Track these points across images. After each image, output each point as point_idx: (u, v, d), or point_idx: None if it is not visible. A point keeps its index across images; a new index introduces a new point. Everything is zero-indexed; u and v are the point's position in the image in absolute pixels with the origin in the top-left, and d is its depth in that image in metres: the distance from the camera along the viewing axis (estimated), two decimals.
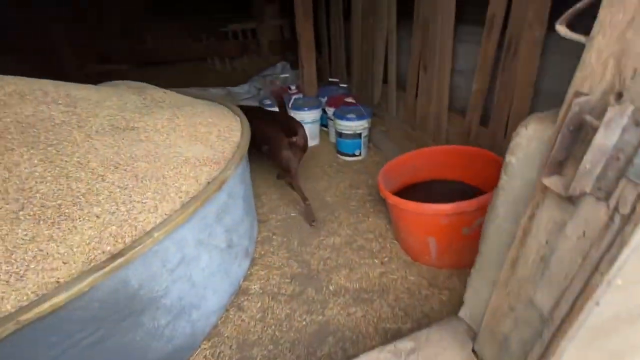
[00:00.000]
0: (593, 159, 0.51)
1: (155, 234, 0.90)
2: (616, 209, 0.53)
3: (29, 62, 4.47)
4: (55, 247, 0.83)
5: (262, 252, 1.69)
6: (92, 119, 1.19)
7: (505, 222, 0.84)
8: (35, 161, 0.97)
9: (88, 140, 1.09)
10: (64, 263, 0.82)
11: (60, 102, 1.18)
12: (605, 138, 0.49)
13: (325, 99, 2.84)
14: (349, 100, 2.64)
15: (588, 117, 0.51)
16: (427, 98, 2.51)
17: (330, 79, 3.08)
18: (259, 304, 1.41)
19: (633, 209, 0.50)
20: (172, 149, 1.22)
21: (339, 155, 2.61)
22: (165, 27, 5.83)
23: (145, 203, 1.00)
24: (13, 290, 0.74)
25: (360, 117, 2.39)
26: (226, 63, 5.28)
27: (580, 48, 0.58)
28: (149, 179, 1.07)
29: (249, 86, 4.17)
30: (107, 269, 0.80)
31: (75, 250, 0.85)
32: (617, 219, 0.53)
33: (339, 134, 2.48)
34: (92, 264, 0.83)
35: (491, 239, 0.90)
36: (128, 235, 0.91)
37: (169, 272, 1.02)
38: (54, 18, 4.17)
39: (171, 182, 1.10)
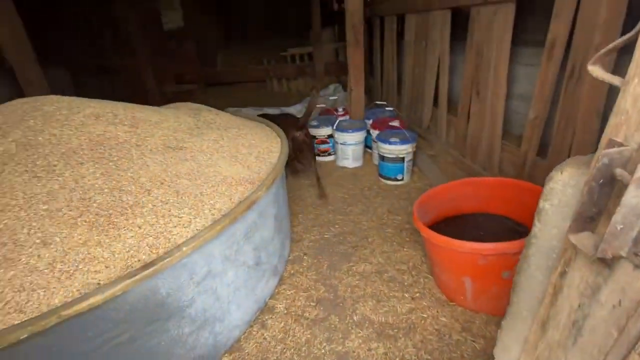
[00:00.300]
0: (625, 220, 0.44)
1: (184, 248, 0.98)
2: None
3: (120, 80, 5.25)
4: (101, 251, 0.95)
5: (292, 272, 1.71)
6: (149, 139, 1.35)
7: (538, 273, 0.75)
8: (98, 174, 1.12)
9: (142, 158, 1.24)
10: (106, 267, 0.93)
11: (125, 123, 1.37)
12: (638, 197, 0.42)
13: (370, 121, 2.84)
14: (394, 123, 2.60)
15: (619, 171, 0.45)
16: (480, 124, 2.37)
17: (377, 102, 3.07)
18: (282, 324, 1.42)
19: None
20: (212, 168, 1.32)
21: (381, 179, 2.57)
22: (234, 52, 6.43)
23: (181, 217, 1.09)
24: (62, 287, 0.86)
25: (403, 141, 2.34)
26: (283, 84, 5.60)
27: None
28: (188, 196, 1.17)
29: (301, 106, 4.35)
30: (138, 276, 0.89)
31: (116, 256, 0.95)
32: None
33: (382, 157, 2.45)
34: (128, 270, 0.93)
35: (523, 290, 0.80)
36: (162, 247, 1.00)
37: (196, 284, 1.09)
38: (142, 43, 4.85)
39: (207, 200, 1.18)
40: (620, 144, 0.48)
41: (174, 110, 1.77)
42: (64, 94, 1.47)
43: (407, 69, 3.48)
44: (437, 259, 1.42)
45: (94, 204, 1.04)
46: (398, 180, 2.47)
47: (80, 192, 1.05)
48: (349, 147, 2.73)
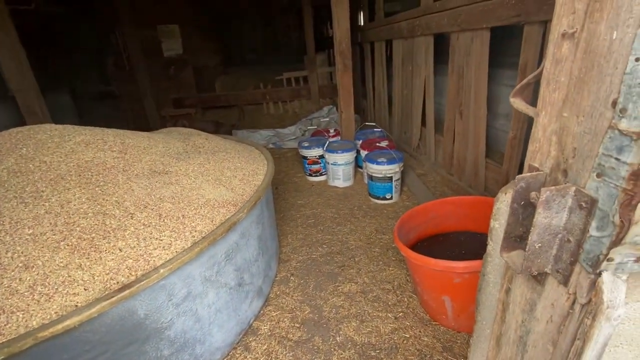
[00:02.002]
0: (542, 239, 0.48)
1: (162, 270, 1.01)
2: (575, 296, 0.48)
3: (121, 106, 5.41)
4: (81, 274, 0.98)
5: (278, 292, 1.72)
6: (136, 164, 1.41)
7: (495, 290, 0.77)
8: (83, 199, 1.17)
9: (128, 182, 1.29)
10: (85, 289, 0.96)
11: (115, 149, 1.43)
12: (549, 218, 0.47)
13: (360, 141, 2.91)
14: (382, 144, 2.67)
15: (533, 194, 0.49)
16: (464, 143, 2.43)
17: (367, 123, 3.16)
18: (265, 347, 1.42)
19: (589, 299, 0.46)
20: (196, 192, 1.37)
21: (370, 198, 2.61)
22: (232, 77, 6.64)
23: (162, 240, 1.13)
24: (41, 310, 0.89)
25: (391, 161, 2.40)
26: (279, 106, 5.74)
27: None
28: (170, 218, 1.21)
29: (295, 128, 4.45)
30: (114, 298, 0.92)
31: (96, 278, 0.98)
32: (577, 308, 0.48)
33: (370, 177, 2.50)
34: (106, 292, 0.96)
35: (484, 308, 0.83)
36: (140, 269, 1.03)
37: (175, 306, 1.11)
38: (143, 70, 5.03)
39: (189, 222, 1.22)
40: (537, 169, 0.52)
41: (165, 135, 1.84)
42: (66, 120, 1.55)
43: (396, 91, 3.60)
44: (417, 278, 1.44)
45: (78, 228, 1.08)
46: (387, 199, 2.51)
47: (65, 217, 1.09)
48: (339, 167, 2.79)
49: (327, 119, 3.96)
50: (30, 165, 1.22)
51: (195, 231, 1.20)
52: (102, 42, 5.07)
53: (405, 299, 1.60)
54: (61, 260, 0.99)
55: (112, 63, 5.15)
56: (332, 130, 3.27)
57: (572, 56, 0.44)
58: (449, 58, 2.45)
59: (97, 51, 5.19)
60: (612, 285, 0.43)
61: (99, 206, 1.17)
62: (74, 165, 1.27)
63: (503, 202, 0.69)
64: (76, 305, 0.92)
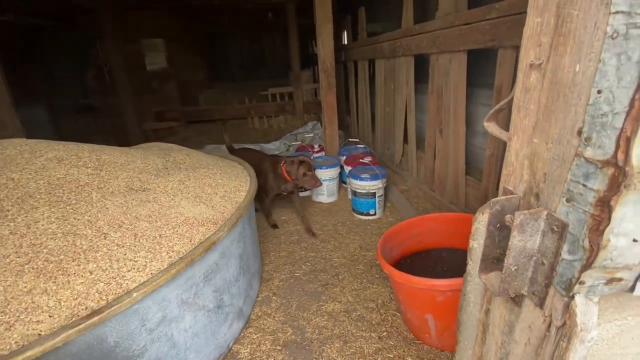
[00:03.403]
0: (517, 261, 0.49)
1: (135, 294, 0.96)
2: (551, 318, 0.48)
3: (102, 119, 5.28)
4: (46, 300, 0.92)
5: (260, 314, 1.67)
6: (112, 181, 1.36)
7: (475, 310, 0.77)
8: (53, 219, 1.11)
9: (102, 201, 1.24)
10: (50, 316, 0.90)
11: (89, 165, 1.38)
12: (523, 241, 0.47)
13: (344, 157, 2.93)
14: (365, 160, 2.70)
15: (507, 217, 0.50)
16: (444, 161, 2.49)
17: (350, 139, 3.20)
18: None
19: (564, 322, 0.46)
20: (174, 209, 1.33)
21: (354, 214, 2.61)
22: (217, 91, 6.63)
23: (136, 261, 1.08)
24: (0, 339, 0.82)
25: (374, 177, 2.42)
26: (264, 121, 5.75)
27: None
28: (146, 238, 1.17)
29: (280, 143, 4.45)
30: (82, 325, 0.86)
31: (62, 304, 0.93)
32: (553, 331, 0.48)
33: (354, 193, 2.51)
34: (74, 319, 0.90)
35: (466, 328, 0.82)
36: (112, 293, 0.98)
37: (148, 332, 1.05)
38: (125, 83, 4.95)
39: (165, 242, 1.18)
40: (511, 192, 0.53)
41: (144, 151, 1.80)
42: (41, 134, 1.48)
43: (378, 109, 3.68)
44: (401, 296, 1.43)
45: (45, 250, 1.02)
46: (371, 215, 2.52)
47: (32, 238, 1.03)
48: (323, 183, 2.79)
49: (312, 135, 3.99)
50: None
51: (173, 251, 1.16)
52: (82, 55, 4.99)
53: (389, 318, 1.58)
54: (25, 284, 0.93)
55: (92, 76, 5.05)
56: (316, 146, 3.29)
57: (539, 85, 0.46)
58: (429, 78, 2.54)
59: (77, 64, 5.10)
60: (584, 307, 0.44)
61: (69, 226, 1.11)
62: (44, 183, 1.22)
63: (481, 223, 0.70)
64: (39, 334, 0.85)
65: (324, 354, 1.42)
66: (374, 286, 1.80)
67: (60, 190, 1.22)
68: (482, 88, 2.66)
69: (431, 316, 1.31)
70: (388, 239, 1.62)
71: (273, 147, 4.39)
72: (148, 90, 5.33)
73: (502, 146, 1.94)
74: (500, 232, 0.53)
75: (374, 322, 1.56)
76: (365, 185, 2.42)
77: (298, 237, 2.36)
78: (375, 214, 2.53)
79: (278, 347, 1.47)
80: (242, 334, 1.54)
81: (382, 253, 1.46)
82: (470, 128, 2.43)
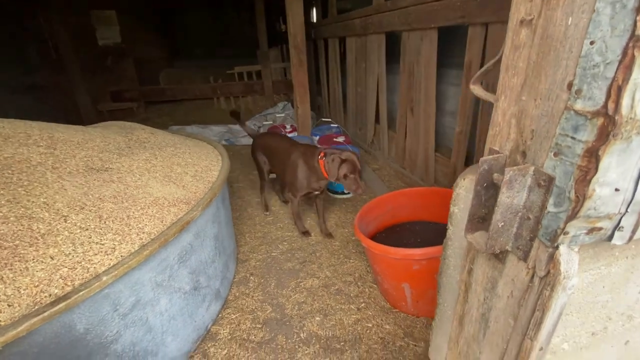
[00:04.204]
0: (503, 218, 0.50)
1: (104, 278, 0.90)
2: (534, 270, 0.51)
3: (49, 100, 4.79)
4: (3, 288, 0.83)
5: (237, 294, 1.65)
6: (68, 160, 1.24)
7: (455, 273, 0.81)
8: (2, 201, 1.00)
9: (59, 181, 1.13)
10: (9, 305, 0.81)
11: (41, 144, 1.24)
12: (511, 197, 0.49)
13: (318, 137, 2.91)
14: (339, 139, 2.69)
15: (495, 176, 0.51)
16: (415, 139, 2.55)
17: (323, 119, 3.17)
18: (225, 351, 1.35)
19: (548, 272, 0.48)
20: (142, 190, 1.25)
21: (329, 193, 2.61)
22: (177, 69, 6.24)
23: (103, 244, 1.01)
24: None
25: None
26: (231, 102, 5.53)
27: None
28: (113, 220, 1.09)
29: (249, 123, 4.32)
30: (47, 313, 0.79)
31: (22, 292, 0.84)
32: (537, 281, 0.51)
33: None
34: (36, 307, 0.83)
35: (446, 290, 0.86)
36: (78, 278, 0.91)
37: (121, 317, 1.00)
38: (74, 59, 4.50)
39: (135, 223, 1.11)
40: (497, 152, 0.54)
41: (102, 129, 1.65)
42: None
43: (350, 89, 3.66)
44: (378, 268, 1.47)
45: None
46: (345, 193, 2.54)
47: None
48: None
49: (283, 115, 3.90)
50: None
51: (143, 233, 1.09)
52: (22, 28, 4.44)
53: (367, 290, 1.62)
54: None
55: (36, 51, 4.53)
56: (288, 126, 3.22)
57: (529, 42, 0.46)
58: (400, 56, 2.55)
59: (16, 38, 4.53)
60: (567, 256, 0.46)
61: (22, 209, 1.00)
62: None
63: (462, 188, 0.71)
64: None
65: (305, 328, 1.44)
66: (351, 261, 1.84)
67: (9, 171, 1.09)
68: (450, 68, 2.72)
69: (407, 285, 1.36)
70: (364, 215, 1.65)
71: (241, 129, 4.25)
72: (101, 68, 4.89)
73: (471, 123, 2.01)
74: (486, 192, 0.55)
75: (352, 295, 1.60)
76: None
77: (273, 218, 2.33)
78: (349, 193, 2.55)
79: (258, 325, 1.47)
80: (220, 315, 1.52)
81: (359, 228, 1.48)
82: (439, 107, 2.49)
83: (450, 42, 2.46)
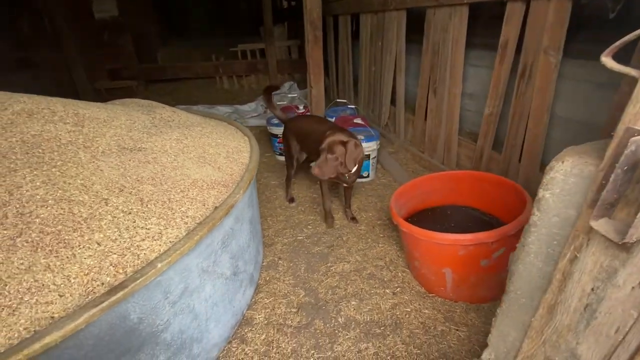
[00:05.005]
0: None
1: (159, 265, 0.85)
2: None
3: (44, 77, 4.56)
4: (51, 277, 0.78)
5: (268, 278, 1.61)
6: (99, 139, 1.16)
7: (538, 261, 0.77)
8: (38, 183, 0.92)
9: (93, 162, 1.05)
10: (60, 296, 0.76)
11: (67, 121, 1.15)
12: None
13: (334, 119, 2.82)
14: (357, 121, 2.61)
15: None
16: (437, 121, 2.48)
17: (337, 100, 3.07)
18: (264, 336, 1.32)
19: None
20: (179, 171, 1.18)
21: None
22: (177, 47, 5.98)
23: (149, 229, 0.95)
24: (4, 326, 0.68)
25: (369, 138, 2.36)
26: (234, 81, 5.35)
27: (596, 74, 0.52)
28: (155, 203, 1.02)
29: (256, 104, 4.19)
30: (105, 303, 0.74)
31: (72, 281, 0.79)
32: None
33: None
34: (90, 297, 0.77)
35: (521, 278, 0.83)
36: (130, 265, 0.85)
37: (171, 305, 0.95)
38: (70, 34, 4.25)
39: (177, 207, 1.05)
40: (639, 132, 0.49)
41: (123, 107, 1.55)
42: None
43: (363, 69, 3.54)
44: (416, 253, 1.44)
45: (37, 220, 0.85)
46: (364, 177, 2.49)
47: (17, 206, 0.85)
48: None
49: (295, 95, 3.78)
50: None
51: (187, 217, 1.03)
52: None
53: (400, 274, 1.60)
54: (21, 261, 0.77)
55: (27, 24, 4.26)
56: (301, 107, 3.12)
57: None
58: (424, 34, 2.44)
59: (6, 10, 4.24)
60: None
61: (60, 191, 0.93)
62: (17, 141, 0.99)
63: (559, 171, 0.66)
64: (52, 317, 0.72)
65: (342, 313, 1.41)
66: (380, 245, 1.81)
67: (39, 150, 1.01)
68: (472, 48, 2.63)
69: (449, 270, 1.34)
70: (397, 199, 1.60)
71: (249, 109, 4.13)
72: (98, 43, 4.65)
73: (502, 105, 1.95)
74: (624, 175, 0.50)
75: (385, 279, 1.58)
76: None
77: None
78: (368, 176, 2.50)
79: (293, 310, 1.44)
80: (253, 300, 1.49)
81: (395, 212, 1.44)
82: None
83: (473, 21, 2.36)
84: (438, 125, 2.48)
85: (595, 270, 0.59)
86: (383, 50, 3.03)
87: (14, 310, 0.70)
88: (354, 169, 1.77)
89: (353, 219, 2.02)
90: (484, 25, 2.28)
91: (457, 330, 1.31)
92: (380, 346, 1.26)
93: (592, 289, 0.60)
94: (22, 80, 4.39)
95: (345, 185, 1.96)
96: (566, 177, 0.67)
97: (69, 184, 0.96)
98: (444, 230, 1.65)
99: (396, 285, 1.54)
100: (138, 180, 1.07)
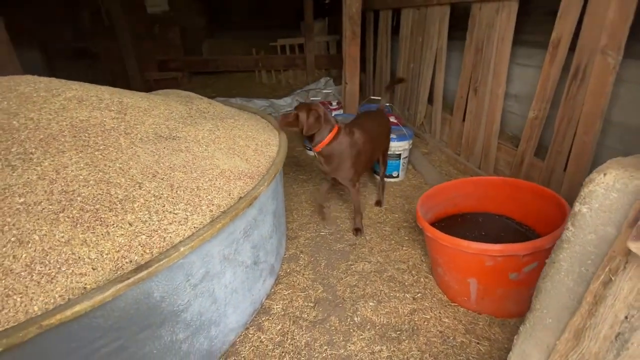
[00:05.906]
0: None
1: (182, 248, 0.89)
2: None
3: (100, 65, 4.96)
4: (87, 251, 0.85)
5: (288, 271, 1.64)
6: (138, 126, 1.23)
7: (569, 279, 0.71)
8: (82, 164, 1.01)
9: (132, 147, 1.13)
10: (93, 269, 0.83)
11: (112, 108, 1.25)
12: None
13: None
14: (391, 119, 2.55)
15: None
16: (476, 122, 2.36)
17: (372, 97, 3.02)
18: (280, 327, 1.35)
19: None
20: (209, 161, 1.22)
21: (376, 176, 2.52)
22: (221, 40, 6.20)
23: (177, 214, 1.00)
24: (42, 292, 0.76)
25: (401, 137, 2.30)
26: (272, 76, 5.45)
27: None
28: (184, 190, 1.08)
29: (291, 99, 4.25)
30: (131, 280, 0.80)
31: (105, 256, 0.85)
32: None
33: None
34: (119, 273, 0.83)
35: (549, 296, 0.77)
36: (156, 246, 0.90)
37: (192, 287, 1.00)
38: (125, 26, 4.57)
39: (204, 194, 1.09)
40: None
41: (163, 97, 1.64)
42: None
43: (401, 65, 3.44)
44: (441, 259, 1.39)
45: (79, 198, 0.93)
46: (394, 177, 2.44)
47: (62, 184, 0.94)
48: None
49: (330, 91, 3.77)
50: (15, 122, 1.03)
51: (213, 205, 1.07)
52: None
53: (422, 279, 1.56)
54: (62, 234, 0.85)
55: (88, 17, 4.64)
56: (334, 103, 3.11)
57: None
58: (468, 30, 2.32)
59: (70, 3, 4.66)
60: None
61: (100, 173, 1.01)
62: (67, 125, 1.09)
63: (600, 185, 0.60)
64: (84, 288, 0.79)
65: (358, 312, 1.40)
66: (404, 248, 1.76)
67: (86, 134, 1.10)
68: (519, 46, 2.45)
69: (475, 280, 1.28)
70: (425, 201, 1.55)
71: (284, 104, 4.19)
72: (149, 35, 4.95)
73: (549, 108, 1.80)
74: None
75: (406, 284, 1.54)
76: (391, 145, 2.30)
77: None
78: (398, 177, 2.44)
79: (310, 304, 1.46)
80: (272, 290, 1.52)
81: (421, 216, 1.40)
82: None
83: (520, 17, 2.20)
84: (477, 126, 2.36)
85: (631, 297, 0.54)
86: (423, 46, 2.92)
87: (52, 279, 0.77)
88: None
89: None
90: (533, 21, 2.12)
91: (478, 343, 1.25)
92: (394, 350, 1.23)
93: (626, 317, 0.54)
94: (82, 69, 4.80)
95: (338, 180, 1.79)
96: (607, 191, 0.61)
97: (109, 167, 1.04)
98: (473, 238, 1.57)
99: (417, 290, 1.50)
100: (170, 167, 1.13)
